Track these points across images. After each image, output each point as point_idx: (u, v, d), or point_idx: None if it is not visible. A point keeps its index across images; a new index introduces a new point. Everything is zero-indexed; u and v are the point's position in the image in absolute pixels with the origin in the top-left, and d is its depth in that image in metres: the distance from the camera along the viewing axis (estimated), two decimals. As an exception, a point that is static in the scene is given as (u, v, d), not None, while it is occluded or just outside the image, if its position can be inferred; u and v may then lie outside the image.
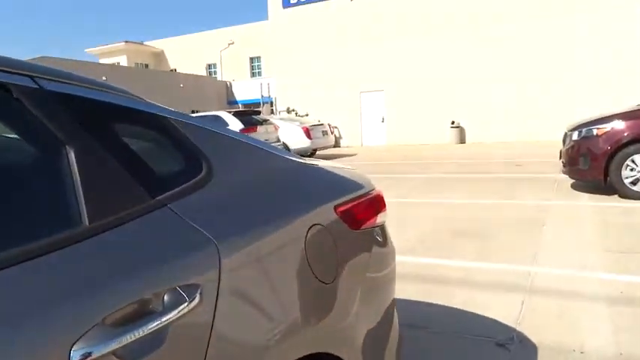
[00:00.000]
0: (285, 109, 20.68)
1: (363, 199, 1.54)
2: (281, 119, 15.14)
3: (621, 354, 2.42)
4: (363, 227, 1.50)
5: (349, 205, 1.46)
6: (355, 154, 15.74)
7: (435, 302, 3.22)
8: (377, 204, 1.63)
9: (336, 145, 19.07)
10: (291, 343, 1.11)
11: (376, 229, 1.62)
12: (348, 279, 1.38)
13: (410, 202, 6.87)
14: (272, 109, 23.10)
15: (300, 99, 20.46)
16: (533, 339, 2.64)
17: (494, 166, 10.39)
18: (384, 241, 1.70)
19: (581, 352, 2.48)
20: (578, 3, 15.87)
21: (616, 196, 6.25)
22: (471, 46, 17.39)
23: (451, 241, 4.74)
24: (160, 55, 34.89)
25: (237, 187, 1.16)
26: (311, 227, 1.26)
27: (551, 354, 2.48)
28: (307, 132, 13.93)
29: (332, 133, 16.07)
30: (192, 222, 0.99)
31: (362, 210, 1.51)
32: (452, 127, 17.81)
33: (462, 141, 17.86)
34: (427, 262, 4.11)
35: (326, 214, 1.35)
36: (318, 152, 15.48)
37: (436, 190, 7.66)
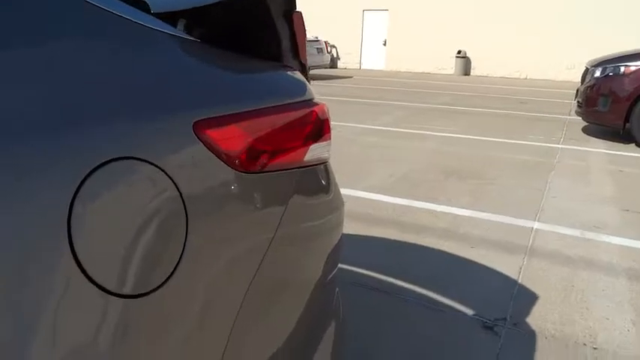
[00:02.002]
0: (282, 22, 19.18)
1: (275, 112, 0.80)
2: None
3: (648, 357, 1.80)
4: (268, 166, 0.77)
5: (238, 119, 0.71)
6: (351, 77, 14.66)
7: (408, 259, 2.56)
8: (311, 125, 0.89)
9: (333, 65, 17.88)
10: None
11: (306, 171, 0.88)
12: (218, 278, 0.66)
13: (399, 131, 6.09)
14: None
15: (298, 12, 18.92)
16: (532, 323, 2.01)
17: (498, 101, 9.52)
18: (325, 197, 0.98)
19: (594, 348, 1.86)
20: None
21: (633, 145, 5.52)
22: (490, -33, 15.80)
23: (440, 181, 4.04)
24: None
25: None
26: (99, 167, 0.51)
27: (554, 347, 1.85)
28: (301, 47, 12.78)
29: (328, 52, 14.88)
30: None
31: (267, 130, 0.77)
32: (457, 57, 16.60)
33: (467, 73, 16.74)
34: (408, 204, 3.43)
35: (162, 137, 0.60)
36: (311, 71, 14.40)
37: (431, 122, 6.87)
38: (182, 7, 0.80)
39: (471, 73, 16.77)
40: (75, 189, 0.49)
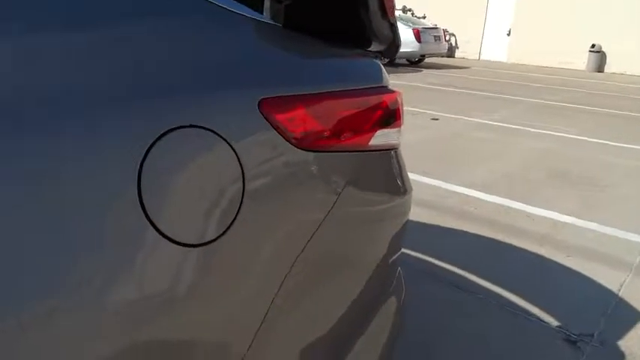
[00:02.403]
0: (401, 7, 18.89)
1: (342, 96, 0.84)
2: (393, 17, 13.70)
3: None
4: (329, 146, 0.81)
5: (303, 99, 0.77)
6: (468, 68, 14.06)
7: (496, 259, 2.47)
8: (380, 112, 0.92)
9: (450, 54, 17.27)
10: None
11: (371, 155, 0.92)
12: (269, 241, 0.73)
13: (512, 128, 5.77)
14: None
15: (419, -2, 18.48)
16: (623, 345, 1.85)
17: (634, 103, 8.57)
18: (389, 183, 1.01)
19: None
20: None
21: None
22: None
23: (545, 183, 3.79)
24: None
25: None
26: (165, 134, 0.60)
27: (644, 374, 1.70)
28: (417, 34, 12.51)
29: (446, 40, 14.40)
30: None
31: (332, 113, 0.81)
32: (591, 52, 15.13)
33: (600, 69, 15.20)
34: (506, 204, 3.28)
35: (227, 110, 0.68)
36: (427, 59, 14.06)
37: (551, 120, 6.39)
38: None
39: (605, 70, 15.21)
40: (145, 150, 0.58)
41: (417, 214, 2.95)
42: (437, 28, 13.54)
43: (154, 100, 0.61)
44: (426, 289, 2.16)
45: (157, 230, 0.58)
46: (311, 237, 0.80)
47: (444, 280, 2.25)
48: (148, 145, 0.58)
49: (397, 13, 17.90)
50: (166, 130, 0.60)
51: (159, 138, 0.59)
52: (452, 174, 3.87)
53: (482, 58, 17.83)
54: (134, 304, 0.58)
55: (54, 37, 0.56)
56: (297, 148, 0.75)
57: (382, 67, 1.01)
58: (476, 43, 17.90)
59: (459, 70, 13.26)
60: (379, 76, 0.97)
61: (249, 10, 0.82)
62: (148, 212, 0.58)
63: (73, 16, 0.59)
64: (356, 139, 0.87)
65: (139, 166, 0.57)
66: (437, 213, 3.05)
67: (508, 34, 17.14)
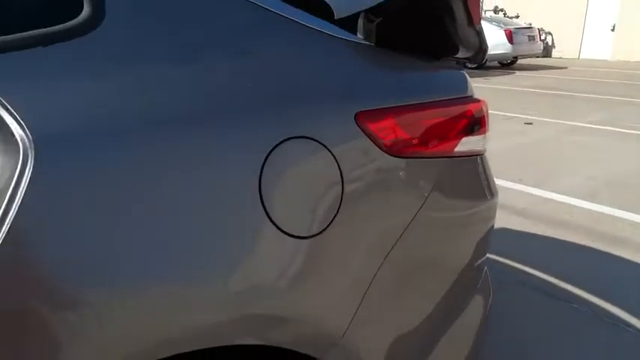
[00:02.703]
0: (492, 8, 18.22)
1: (430, 107, 0.92)
2: (483, 19, 13.30)
3: None
4: (418, 153, 0.90)
5: (394, 111, 0.86)
6: (565, 68, 13.25)
7: (594, 269, 2.37)
8: (465, 120, 0.98)
9: (546, 54, 16.37)
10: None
11: (456, 161, 0.98)
12: (363, 237, 0.83)
13: (613, 131, 5.39)
14: (478, 9, 20.55)
15: (511, -3, 17.72)
16: None
17: None
18: (474, 187, 1.06)
19: None
20: None
21: None
22: None
23: (655, 190, 3.52)
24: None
25: (139, 48, 0.67)
26: (280, 144, 0.72)
27: None
28: (509, 35, 12.02)
29: (542, 39, 13.68)
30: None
31: (420, 122, 0.90)
32: None
33: None
34: (606, 212, 3.11)
35: (329, 123, 0.79)
36: (520, 61, 13.46)
37: (659, 122, 5.89)
38: (360, 8, 0.95)
39: None
40: (265, 156, 0.70)
41: (510, 221, 2.90)
42: (531, 27, 12.93)
43: (272, 115, 0.73)
44: (518, 296, 2.14)
45: (274, 224, 0.71)
46: (399, 237, 0.88)
47: (537, 288, 2.21)
48: (267, 153, 0.71)
49: (488, 14, 17.35)
50: (281, 140, 0.72)
51: (275, 147, 0.71)
52: (548, 180, 3.73)
53: (582, 56, 16.70)
54: (257, 283, 0.71)
55: (208, 63, 0.71)
56: (388, 154, 0.85)
57: (467, 77, 1.07)
58: (575, 41, 16.81)
59: (555, 70, 12.55)
60: (464, 87, 1.03)
61: (344, 31, 0.93)
62: (267, 209, 0.70)
63: (210, 47, 0.73)
64: (442, 147, 0.94)
65: (259, 171, 0.70)
66: (532, 221, 2.97)
67: (612, 30, 15.91)
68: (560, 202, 3.29)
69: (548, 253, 2.57)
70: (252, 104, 0.72)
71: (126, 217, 0.61)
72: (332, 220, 0.77)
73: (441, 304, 1.03)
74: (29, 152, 0.55)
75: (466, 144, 0.98)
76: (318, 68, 0.83)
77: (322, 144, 0.76)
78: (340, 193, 0.78)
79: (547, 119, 6.05)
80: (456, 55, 1.08)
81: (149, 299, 0.63)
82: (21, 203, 0.55)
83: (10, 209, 0.54)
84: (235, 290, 0.70)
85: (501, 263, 2.41)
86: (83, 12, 0.64)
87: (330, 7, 0.92)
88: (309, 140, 0.75)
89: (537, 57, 13.58)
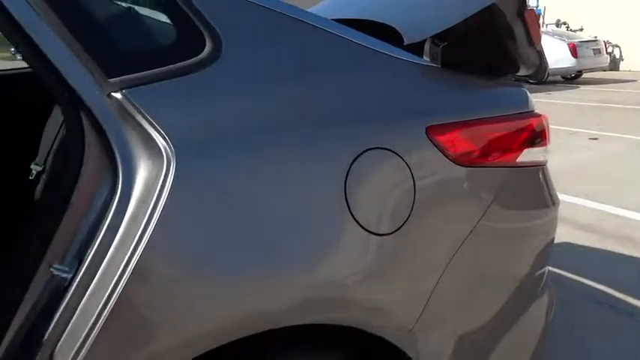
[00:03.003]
0: (555, 22, 17.72)
1: (493, 121, 1.02)
2: (545, 33, 12.98)
3: None
4: (481, 164, 1.00)
5: (461, 126, 0.97)
6: (634, 81, 12.66)
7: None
8: (527, 134, 1.07)
9: (613, 67, 15.68)
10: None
11: (518, 171, 1.07)
12: (432, 237, 0.94)
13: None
14: (539, 22, 20.04)
15: (574, 9, 17.17)
16: None
17: None
18: (536, 194, 1.14)
19: None
20: None
21: None
22: None
23: None
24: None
25: (250, 74, 0.83)
26: (362, 154, 0.85)
27: None
28: (573, 49, 11.67)
29: (608, 52, 13.16)
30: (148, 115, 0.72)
31: (485, 135, 1.00)
32: None
33: None
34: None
35: (403, 136, 0.91)
36: (585, 75, 12.99)
37: None
38: (427, 35, 1.06)
39: None
40: (349, 164, 0.83)
41: (576, 236, 2.88)
42: (596, 40, 12.51)
43: (355, 129, 0.87)
44: (583, 310, 2.13)
45: (357, 222, 0.83)
46: (463, 241, 0.98)
47: (604, 302, 2.19)
48: (351, 161, 0.84)
49: (550, 27, 16.88)
50: (363, 150, 0.85)
51: (358, 156, 0.84)
52: (615, 196, 3.63)
53: (653, 68, 15.87)
54: (343, 274, 0.83)
55: (310, 85, 0.87)
56: (455, 164, 0.95)
57: (528, 93, 1.16)
58: (645, 52, 16.03)
59: (622, 84, 12.02)
60: (525, 102, 1.12)
61: (413, 55, 1.05)
62: (352, 210, 0.83)
63: (309, 72, 0.88)
64: (505, 158, 1.03)
65: (345, 177, 0.83)
66: (598, 237, 2.92)
67: (687, 40, 15.05)
68: (627, 218, 3.21)
69: (614, 267, 2.53)
70: (340, 119, 0.86)
71: (246, 213, 0.76)
72: (405, 221, 0.88)
73: (501, 311, 1.10)
74: (171, 159, 0.71)
75: (528, 155, 1.07)
76: (392, 89, 0.96)
77: (397, 154, 0.89)
78: (412, 198, 0.89)
79: (613, 134, 5.85)
80: (517, 74, 1.17)
81: (258, 282, 0.78)
82: (165, 200, 0.70)
83: (158, 204, 0.70)
84: (325, 277, 0.83)
85: (567, 277, 2.41)
86: (206, 48, 0.80)
87: (400, 35, 1.05)
88: (387, 151, 0.88)
89: (604, 70, 13.07)
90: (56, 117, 1.70)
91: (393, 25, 1.08)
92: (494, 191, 1.02)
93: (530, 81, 1.23)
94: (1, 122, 1.94)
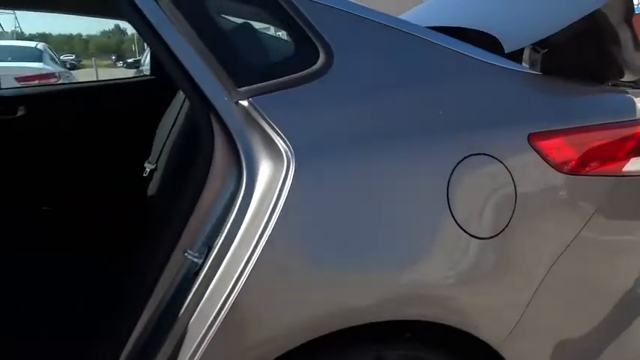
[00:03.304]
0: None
1: (598, 128, 1.00)
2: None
3: None
4: (586, 172, 0.99)
5: (564, 133, 0.97)
6: None
7: None
8: (634, 142, 1.04)
9: None
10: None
11: (624, 180, 1.05)
12: (531, 244, 0.95)
13: None
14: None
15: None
16: None
17: None
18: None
19: None
20: None
21: None
22: None
23: None
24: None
25: (359, 83, 0.89)
26: (464, 159, 0.88)
27: None
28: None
29: None
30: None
31: (589, 143, 0.99)
32: None
33: None
34: None
35: (505, 142, 0.93)
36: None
37: None
38: (529, 43, 1.07)
39: None
40: (452, 169, 0.87)
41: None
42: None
43: (458, 135, 0.90)
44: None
45: (459, 225, 0.87)
46: (564, 249, 0.97)
47: None
48: (454, 166, 0.87)
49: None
50: (465, 156, 0.88)
51: (460, 161, 0.88)
52: None
53: None
54: (443, 274, 0.87)
55: (418, 93, 0.92)
56: (557, 171, 0.95)
57: (634, 99, 1.12)
58: None
59: None
60: (631, 109, 1.09)
61: (512, 62, 1.06)
62: (453, 212, 0.86)
63: (418, 80, 0.93)
64: (609, 166, 1.02)
65: (447, 181, 0.86)
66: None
67: None
68: None
69: None
70: (444, 126, 0.90)
71: (355, 212, 0.83)
72: (506, 226, 0.90)
73: (601, 325, 1.07)
74: (291, 159, 0.78)
75: (636, 164, 1.04)
76: (494, 96, 0.99)
77: (499, 160, 0.91)
78: (513, 204, 0.91)
79: None
80: (621, 79, 1.14)
81: (362, 278, 0.84)
82: (286, 198, 0.78)
83: (279, 202, 0.78)
84: (424, 275, 0.87)
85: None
86: (319, 60, 0.87)
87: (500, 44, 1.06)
88: (489, 157, 0.90)
89: None
90: (167, 121, 1.88)
91: (492, 33, 1.09)
92: (598, 201, 1.00)
93: (636, 87, 1.19)
94: (116, 125, 2.16)
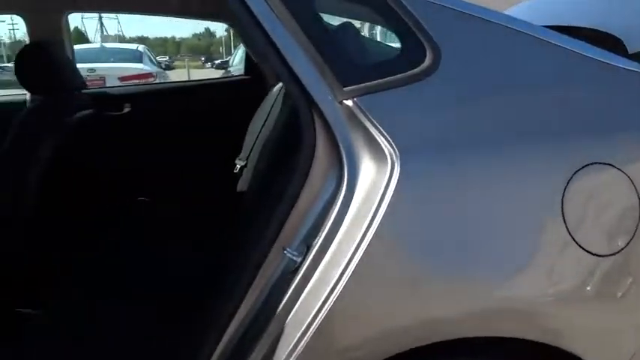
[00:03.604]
0: None
1: None
2: None
3: None
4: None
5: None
6: None
7: None
8: None
9: None
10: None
11: None
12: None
13: None
14: None
15: None
16: None
17: None
18: None
19: None
20: None
21: None
22: None
23: None
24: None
25: (466, 85, 0.84)
26: (582, 169, 0.81)
27: None
28: None
29: None
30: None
31: None
32: None
33: None
34: None
35: (626, 150, 0.85)
36: None
37: None
38: None
39: None
40: (568, 179, 0.80)
41: None
42: None
43: (575, 143, 0.83)
44: None
45: (575, 241, 0.80)
46: None
47: None
48: (570, 176, 0.80)
49: None
50: (583, 165, 0.81)
51: (577, 171, 0.81)
52: None
53: None
54: (554, 291, 0.81)
55: (528, 96, 0.86)
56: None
57: None
58: None
59: None
60: None
61: (636, 63, 0.96)
62: (568, 226, 0.80)
63: (531, 83, 0.87)
64: None
65: (562, 191, 0.80)
66: None
67: None
68: None
69: None
70: (559, 132, 0.84)
71: (459, 217, 0.79)
72: (629, 242, 0.82)
73: None
74: (395, 160, 0.76)
75: None
76: (614, 100, 0.90)
77: (620, 170, 0.83)
78: (638, 217, 0.83)
79: None
80: None
81: (460, 287, 0.80)
82: (390, 200, 0.75)
83: (382, 203, 0.75)
84: (529, 291, 0.81)
85: None
86: (426, 60, 0.84)
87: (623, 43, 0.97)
88: (608, 166, 0.82)
89: None
90: (258, 119, 1.93)
91: (613, 33, 1.01)
92: None
93: None
94: (211, 122, 2.26)
